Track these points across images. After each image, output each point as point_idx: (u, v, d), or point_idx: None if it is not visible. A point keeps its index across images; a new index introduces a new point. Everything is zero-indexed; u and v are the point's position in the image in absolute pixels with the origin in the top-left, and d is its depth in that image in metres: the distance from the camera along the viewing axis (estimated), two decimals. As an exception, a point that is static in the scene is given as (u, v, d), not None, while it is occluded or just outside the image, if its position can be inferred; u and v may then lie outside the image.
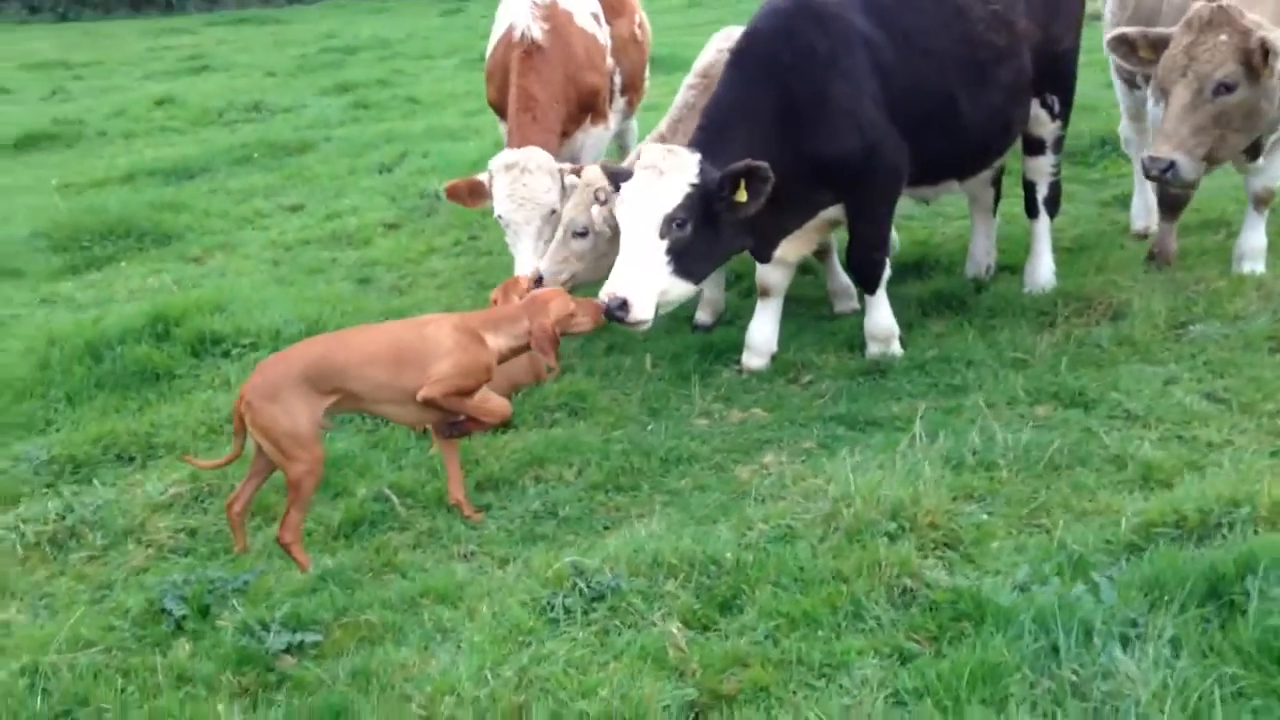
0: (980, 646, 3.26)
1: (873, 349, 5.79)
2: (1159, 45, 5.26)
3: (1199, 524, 3.73)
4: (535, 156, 6.12)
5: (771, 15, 5.43)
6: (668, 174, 4.97)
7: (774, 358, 5.88)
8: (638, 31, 7.64)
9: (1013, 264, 6.71)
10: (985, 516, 4.17)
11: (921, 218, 8.01)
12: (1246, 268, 6.03)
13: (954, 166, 5.86)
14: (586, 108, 6.96)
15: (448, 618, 3.76)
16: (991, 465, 4.48)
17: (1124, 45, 5.42)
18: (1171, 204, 6.20)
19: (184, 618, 3.74)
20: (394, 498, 4.60)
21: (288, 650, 3.59)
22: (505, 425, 5.28)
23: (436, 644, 3.65)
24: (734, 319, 6.48)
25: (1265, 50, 4.96)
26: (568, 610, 3.72)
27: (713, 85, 5.62)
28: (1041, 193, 6.33)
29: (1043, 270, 6.29)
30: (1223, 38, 5.05)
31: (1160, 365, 5.21)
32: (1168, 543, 3.62)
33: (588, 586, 3.80)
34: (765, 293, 5.86)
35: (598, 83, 6.97)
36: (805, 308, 6.64)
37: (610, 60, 7.28)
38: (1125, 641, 3.18)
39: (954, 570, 3.84)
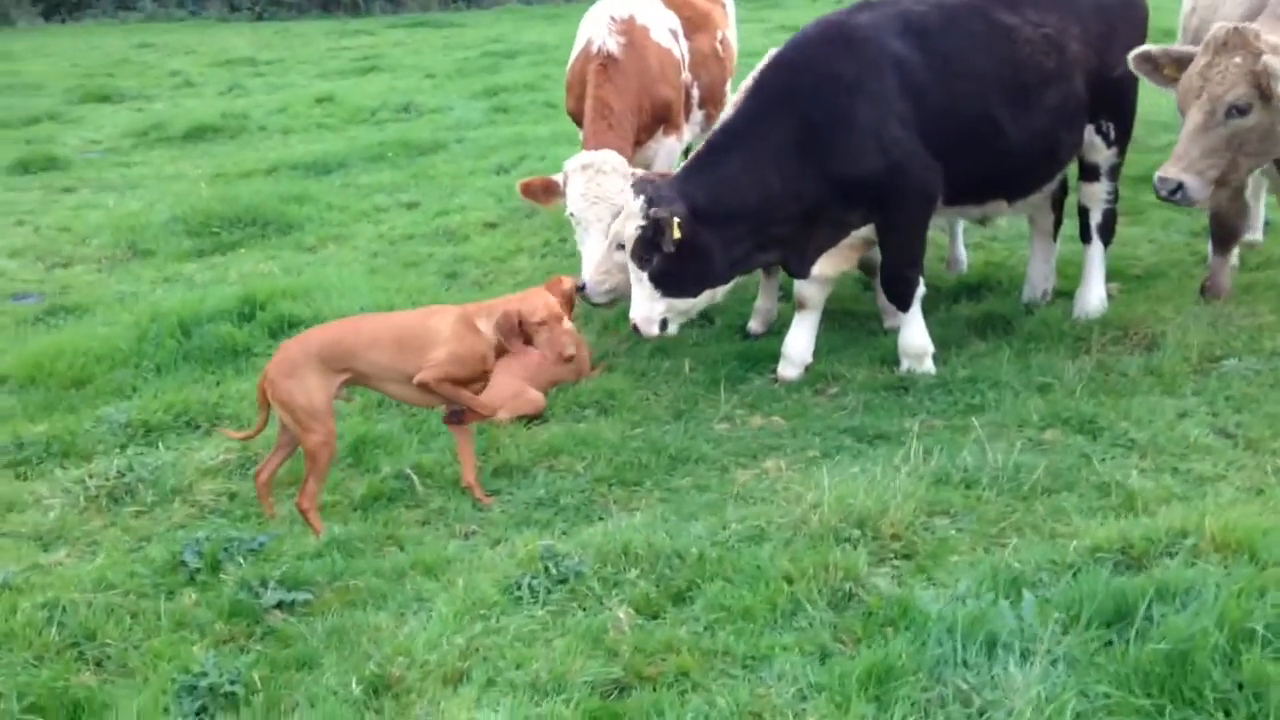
0: (886, 650, 3.41)
1: (905, 365, 5.90)
2: (1183, 64, 5.23)
3: (1144, 551, 3.78)
4: (610, 159, 6.43)
5: (800, 45, 5.72)
6: (625, 217, 5.44)
7: (808, 368, 6.06)
8: (719, 48, 7.88)
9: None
10: (953, 532, 4.30)
11: (1006, 239, 8.01)
12: (1309, 303, 5.88)
13: (998, 187, 5.93)
14: (660, 119, 7.26)
15: (427, 589, 4.13)
16: (974, 483, 4.59)
17: (1148, 63, 5.39)
18: (1223, 238, 6.10)
19: (198, 570, 4.22)
20: (414, 477, 5.00)
21: (279, 606, 4.02)
22: (537, 417, 5.67)
23: (411, 612, 4.01)
24: (783, 328, 6.65)
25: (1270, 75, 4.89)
26: (532, 590, 4.03)
27: None
28: (1095, 219, 6.30)
29: (1092, 298, 6.27)
30: (1236, 60, 5.02)
31: (1180, 398, 5.19)
32: (1100, 567, 3.68)
33: (555, 569, 4.11)
34: (802, 305, 6.05)
35: (670, 96, 7.25)
36: (857, 321, 6.78)
37: (688, 74, 7.55)
38: (1025, 655, 3.29)
39: (901, 580, 4.00)
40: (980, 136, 5.63)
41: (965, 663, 3.31)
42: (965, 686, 3.22)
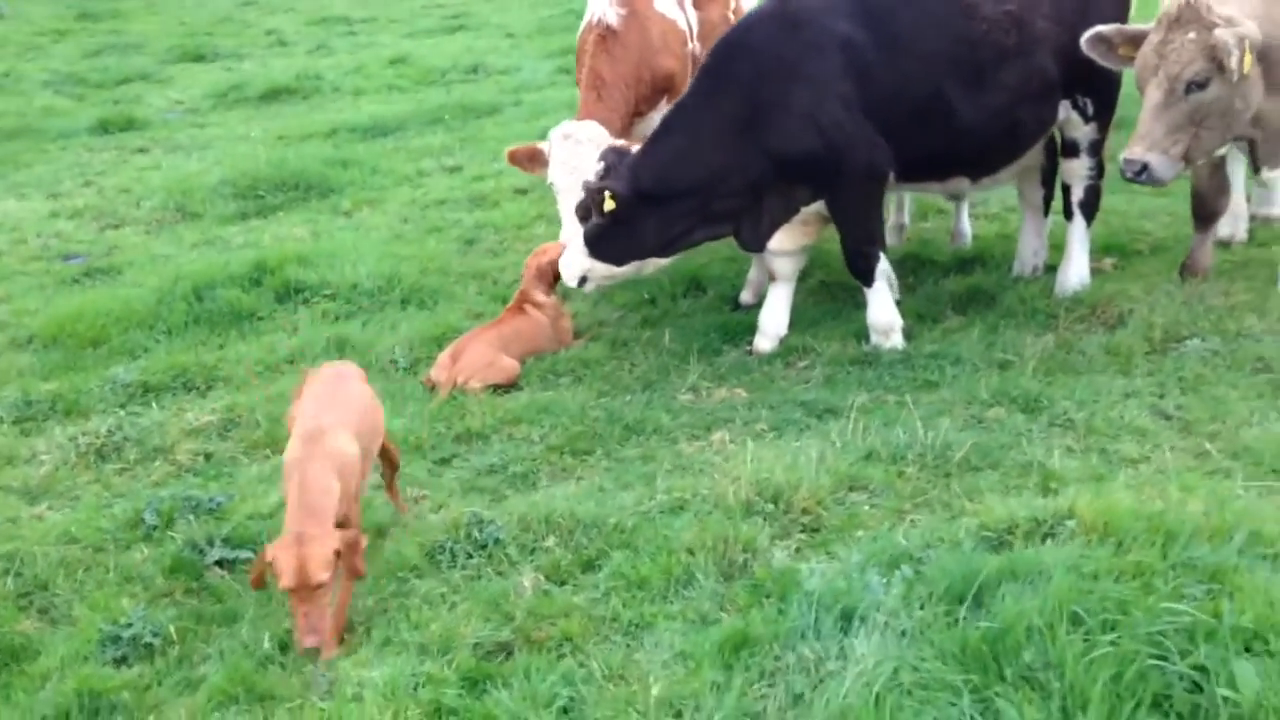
0: (746, 620, 3.58)
1: (873, 339, 5.98)
2: (1138, 42, 5.17)
3: (1029, 531, 3.85)
4: (590, 129, 6.62)
5: (748, 26, 5.89)
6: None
7: (783, 341, 6.17)
8: (730, 16, 7.91)
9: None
10: (866, 507, 4.43)
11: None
12: (1290, 285, 5.76)
13: (957, 165, 5.94)
14: (661, 89, 7.37)
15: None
16: (900, 459, 4.69)
17: (1102, 44, 5.33)
18: (1204, 216, 6.00)
19: (154, 527, 4.58)
20: (375, 442, 5.27)
21: (219, 564, 4.35)
22: (510, 386, 5.90)
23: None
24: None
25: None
26: (453, 555, 4.30)
27: None
28: (1077, 195, 6.25)
29: (1073, 274, 6.23)
30: (1190, 35, 4.97)
31: (1131, 378, 5.17)
32: (977, 546, 3.77)
33: (479, 535, 4.36)
34: (774, 278, 6.16)
35: (672, 66, 7.35)
36: (845, 293, 6.83)
37: (696, 44, 7.62)
38: (877, 628, 3.42)
39: (800, 553, 4.15)
40: (933, 115, 5.66)
41: (819, 633, 3.47)
42: (811, 656, 3.38)
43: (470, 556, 4.29)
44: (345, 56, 20.09)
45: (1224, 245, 6.70)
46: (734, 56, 5.78)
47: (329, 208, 9.61)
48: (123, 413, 5.64)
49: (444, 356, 5.98)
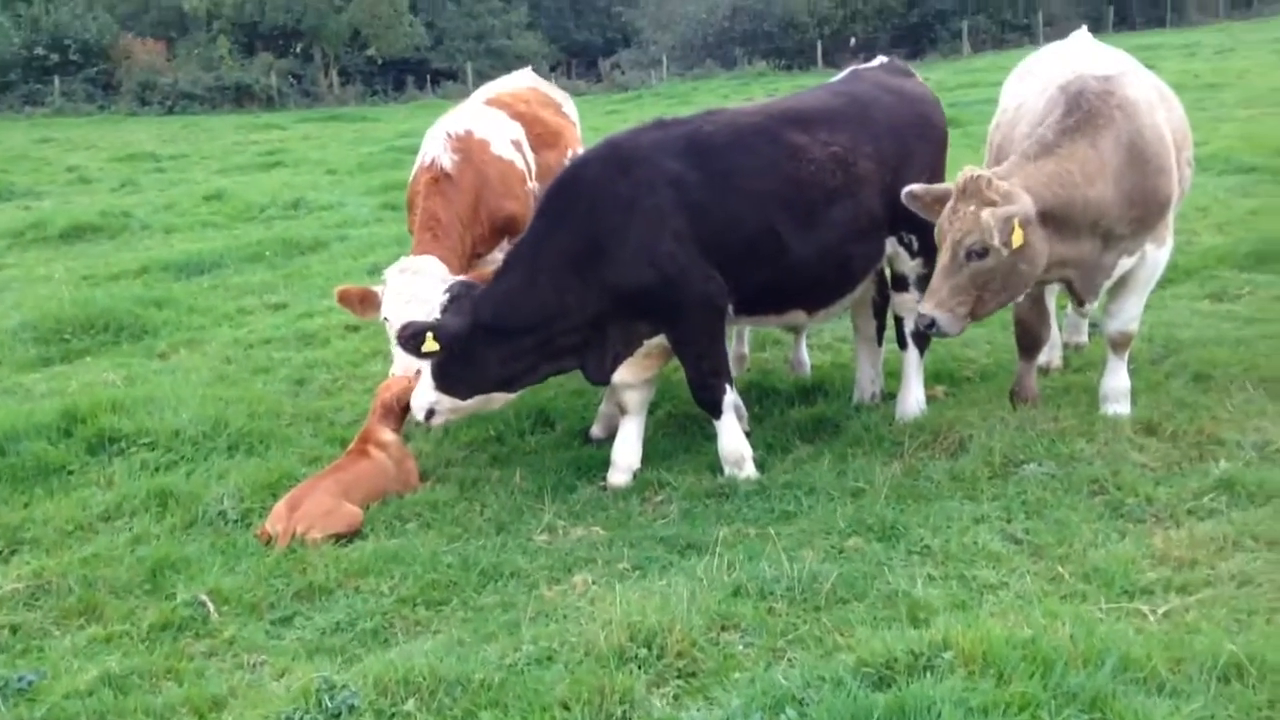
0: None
1: (726, 471, 5.96)
2: (944, 202, 5.50)
3: (909, 665, 3.81)
4: (427, 263, 6.58)
5: (582, 164, 6.07)
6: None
7: (636, 475, 6.08)
8: (567, 159, 7.97)
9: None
10: (740, 647, 4.30)
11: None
12: (1111, 409, 6.08)
13: (792, 299, 6.13)
14: (501, 230, 7.34)
15: (194, 729, 4.01)
16: (769, 594, 4.61)
17: (916, 200, 5.68)
18: (1027, 345, 6.32)
19: (-44, 711, 4.05)
20: (209, 603, 4.88)
21: (34, 756, 3.86)
22: (355, 534, 5.59)
23: (173, 756, 3.89)
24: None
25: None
26: (301, 727, 3.93)
27: None
28: (909, 327, 6.47)
29: (911, 402, 6.42)
30: (971, 208, 5.33)
31: (978, 503, 5.29)
32: (859, 684, 3.69)
33: (330, 703, 4.02)
34: (624, 411, 6.11)
35: (513, 208, 7.34)
36: (695, 425, 6.83)
37: (535, 184, 7.65)
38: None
39: (679, 701, 3.99)
40: (765, 251, 5.86)
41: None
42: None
43: (322, 727, 3.95)
44: (154, 193, 19.48)
45: (1043, 372, 7.03)
46: (568, 195, 5.90)
47: (143, 350, 9.12)
48: (-85, 581, 5.05)
49: (280, 506, 5.62)
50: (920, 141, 6.27)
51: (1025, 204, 5.39)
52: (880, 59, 7.07)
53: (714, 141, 5.82)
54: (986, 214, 5.25)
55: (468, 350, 5.67)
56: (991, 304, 5.56)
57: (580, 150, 8.32)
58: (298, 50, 46.53)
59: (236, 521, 5.75)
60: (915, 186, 5.67)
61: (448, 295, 5.85)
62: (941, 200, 5.51)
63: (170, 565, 5.19)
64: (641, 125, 6.18)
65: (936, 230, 5.51)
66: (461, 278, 6.16)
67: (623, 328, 5.82)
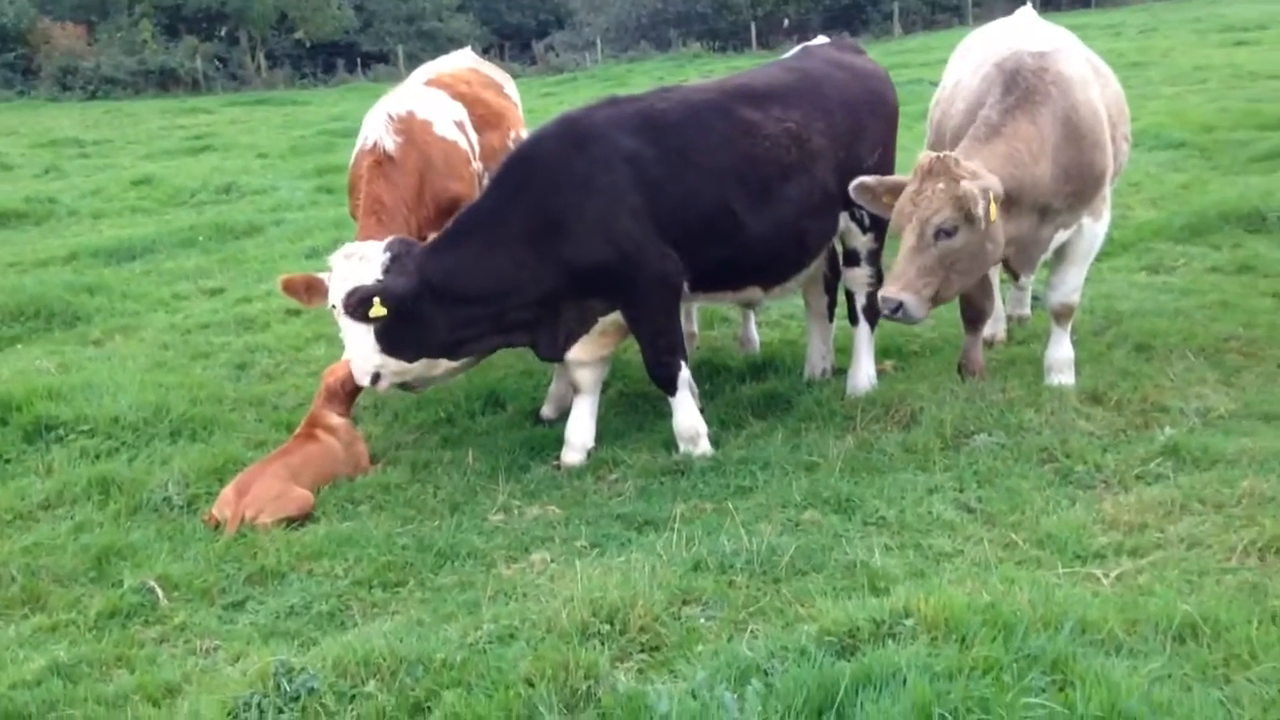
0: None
1: (681, 448, 5.96)
2: (897, 191, 5.53)
3: (871, 633, 3.83)
4: (374, 248, 6.37)
5: (538, 140, 5.96)
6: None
7: (590, 453, 6.05)
8: (511, 144, 7.86)
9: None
10: (702, 620, 4.30)
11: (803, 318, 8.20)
12: (1055, 380, 6.17)
13: (748, 275, 6.11)
14: (447, 212, 7.15)
15: (148, 716, 3.93)
16: (729, 568, 4.61)
17: (867, 193, 5.70)
18: (973, 318, 6.39)
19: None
20: (158, 589, 4.78)
21: (-20, 746, 3.75)
22: (306, 517, 5.49)
23: (130, 742, 3.80)
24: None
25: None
26: (261, 710, 3.86)
27: None
28: (860, 302, 6.52)
29: (862, 377, 6.46)
30: (940, 186, 5.34)
31: (931, 474, 5.34)
32: (822, 652, 3.71)
33: (289, 686, 3.94)
34: (577, 390, 6.07)
35: (458, 190, 7.21)
36: (647, 403, 6.81)
37: (479, 164, 7.55)
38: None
39: (645, 675, 3.97)
40: (720, 227, 5.84)
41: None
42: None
43: (281, 711, 3.85)
44: (80, 179, 18.98)
45: (987, 345, 7.12)
46: (525, 169, 5.81)
47: (76, 337, 8.89)
48: None
49: (228, 491, 5.51)
50: (872, 118, 6.30)
51: (995, 181, 5.42)
52: (821, 38, 7.10)
53: (669, 118, 5.79)
54: (967, 184, 5.25)
55: (415, 310, 5.58)
56: (956, 285, 5.57)
57: (523, 132, 8.23)
58: (223, 33, 45.62)
59: (182, 508, 5.63)
60: (867, 178, 5.69)
61: (389, 254, 5.73)
62: (894, 191, 5.53)
63: (116, 552, 5.07)
64: (596, 102, 6.12)
65: (895, 214, 5.51)
66: (399, 236, 6.06)
67: (577, 304, 5.77)
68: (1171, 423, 5.61)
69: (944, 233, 5.37)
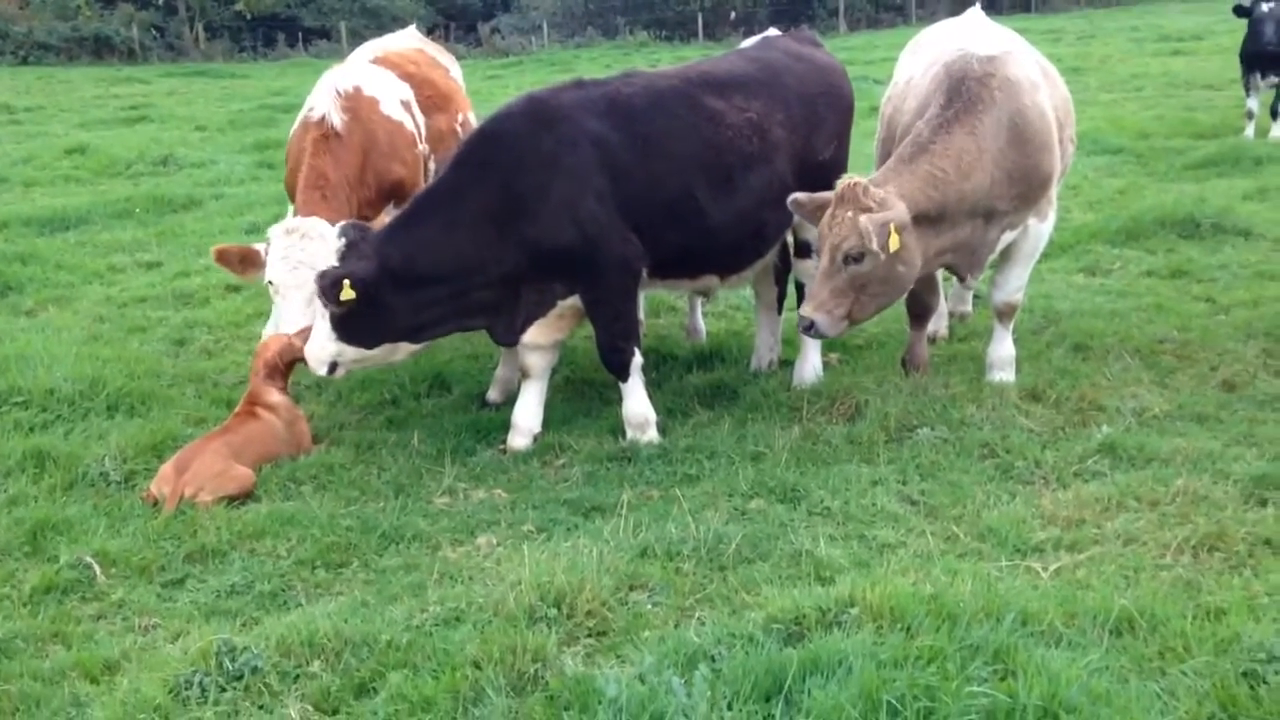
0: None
1: (629, 435, 5.97)
2: (825, 208, 5.59)
3: (816, 621, 3.88)
4: (317, 225, 6.28)
5: (503, 118, 5.84)
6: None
7: (537, 438, 6.04)
8: (459, 128, 7.80)
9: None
10: (649, 606, 4.33)
11: (749, 309, 8.25)
12: (997, 376, 6.28)
13: (706, 263, 6.12)
14: (388, 195, 7.09)
15: (87, 693, 3.87)
16: (676, 555, 4.64)
17: (801, 208, 5.76)
18: (918, 314, 6.47)
19: None
20: (95, 565, 4.69)
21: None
22: (247, 495, 5.42)
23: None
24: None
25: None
26: (203, 689, 3.82)
27: None
28: (810, 294, 6.54)
29: (808, 369, 6.52)
30: (849, 214, 5.42)
31: (875, 466, 5.41)
32: (769, 639, 3.75)
33: (232, 665, 3.90)
34: (526, 374, 6.05)
35: (401, 172, 7.11)
36: (593, 390, 6.81)
37: (425, 146, 7.46)
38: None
39: (591, 659, 3.98)
40: (683, 214, 5.84)
41: (627, 743, 3.30)
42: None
43: (224, 690, 3.82)
44: (10, 145, 18.47)
45: (930, 341, 7.22)
46: (489, 148, 5.74)
47: (8, 307, 8.68)
48: None
49: (167, 468, 5.42)
50: (830, 110, 6.35)
51: (900, 211, 5.47)
52: (772, 30, 7.15)
53: (634, 104, 5.78)
54: (864, 219, 5.32)
55: (375, 297, 5.49)
56: (871, 306, 5.66)
57: (471, 116, 8.15)
58: (160, 2, 44.56)
59: (120, 483, 5.53)
60: (798, 195, 5.73)
61: (343, 240, 5.62)
62: (822, 207, 5.59)
63: (51, 527, 4.97)
64: (561, 84, 6.07)
65: (817, 235, 5.59)
66: (351, 221, 5.98)
67: (537, 287, 5.74)
68: (1108, 421, 5.74)
69: (851, 259, 5.44)
